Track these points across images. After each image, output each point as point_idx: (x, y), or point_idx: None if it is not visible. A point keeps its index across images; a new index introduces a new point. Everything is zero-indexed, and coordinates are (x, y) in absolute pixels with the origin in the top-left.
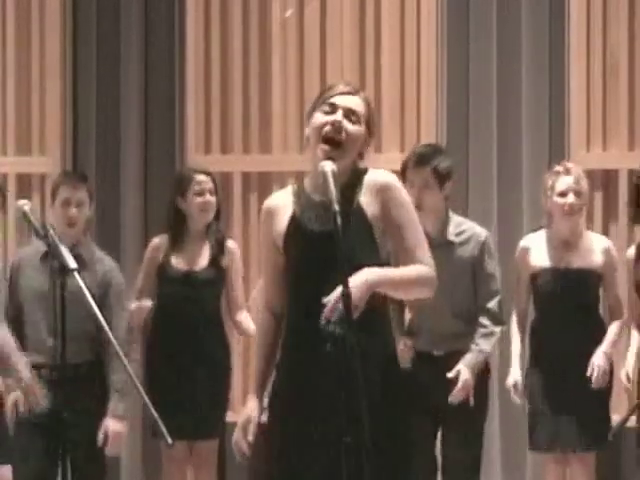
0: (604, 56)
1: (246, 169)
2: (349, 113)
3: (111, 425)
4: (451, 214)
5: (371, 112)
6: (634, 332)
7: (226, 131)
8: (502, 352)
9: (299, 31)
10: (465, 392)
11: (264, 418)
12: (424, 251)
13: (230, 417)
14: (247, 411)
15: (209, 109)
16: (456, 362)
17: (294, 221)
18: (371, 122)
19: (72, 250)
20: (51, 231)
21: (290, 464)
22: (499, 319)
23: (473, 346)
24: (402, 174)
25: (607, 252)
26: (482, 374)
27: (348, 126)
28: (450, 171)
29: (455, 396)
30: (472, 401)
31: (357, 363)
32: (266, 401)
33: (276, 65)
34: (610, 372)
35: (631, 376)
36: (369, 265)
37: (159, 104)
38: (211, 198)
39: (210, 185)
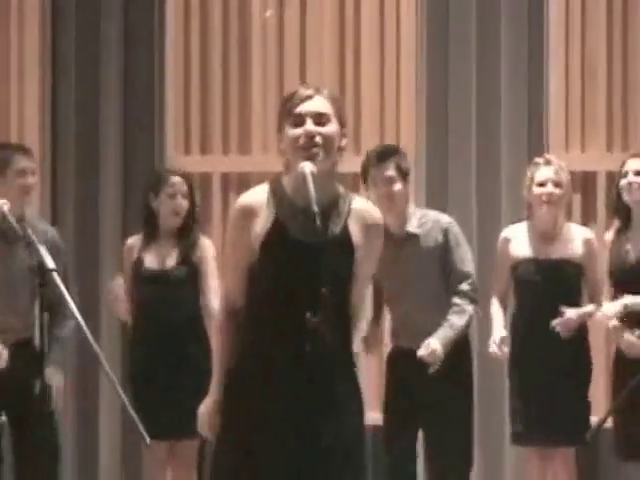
0: (582, 58)
1: (225, 170)
2: (317, 117)
3: (49, 373)
4: (414, 208)
5: (337, 105)
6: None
7: (205, 132)
8: (479, 348)
9: (279, 32)
10: (432, 360)
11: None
12: (363, 311)
13: None
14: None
15: (188, 110)
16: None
17: (278, 227)
18: (341, 114)
19: (23, 219)
20: (29, 231)
21: (264, 461)
22: (472, 297)
23: (444, 322)
24: (362, 175)
25: (588, 243)
26: (465, 374)
27: (320, 130)
28: (409, 167)
29: (426, 359)
30: (433, 369)
31: (334, 363)
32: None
33: (256, 66)
34: (589, 369)
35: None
36: (341, 280)
37: (139, 104)
38: (183, 201)
39: (184, 188)
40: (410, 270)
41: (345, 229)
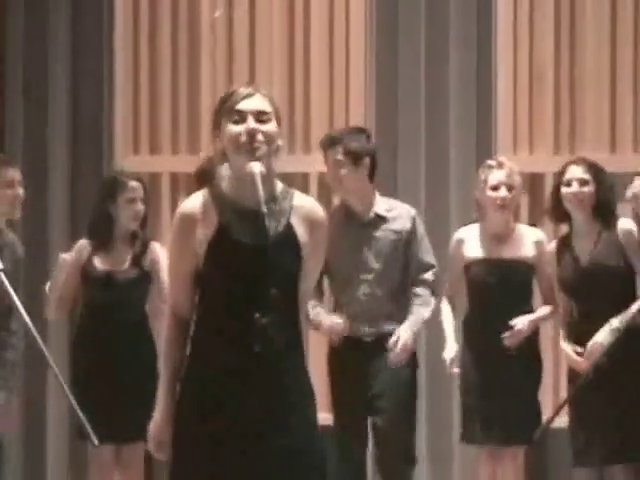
0: (530, 60)
1: (175, 170)
2: (258, 115)
3: None
4: (380, 196)
5: (275, 105)
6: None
7: (155, 132)
8: (429, 346)
9: (228, 31)
10: (405, 353)
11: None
12: (308, 299)
13: None
14: (161, 422)
15: (137, 109)
16: (385, 349)
17: (222, 231)
18: (277, 115)
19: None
20: None
21: (214, 464)
22: (434, 289)
23: (409, 315)
24: (324, 158)
25: (539, 244)
26: (411, 366)
27: (262, 128)
28: (363, 150)
29: (395, 356)
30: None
31: (281, 362)
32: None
33: (205, 66)
34: (539, 369)
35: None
36: (289, 278)
37: (87, 104)
38: (142, 207)
39: (141, 193)
40: (373, 252)
41: (289, 227)
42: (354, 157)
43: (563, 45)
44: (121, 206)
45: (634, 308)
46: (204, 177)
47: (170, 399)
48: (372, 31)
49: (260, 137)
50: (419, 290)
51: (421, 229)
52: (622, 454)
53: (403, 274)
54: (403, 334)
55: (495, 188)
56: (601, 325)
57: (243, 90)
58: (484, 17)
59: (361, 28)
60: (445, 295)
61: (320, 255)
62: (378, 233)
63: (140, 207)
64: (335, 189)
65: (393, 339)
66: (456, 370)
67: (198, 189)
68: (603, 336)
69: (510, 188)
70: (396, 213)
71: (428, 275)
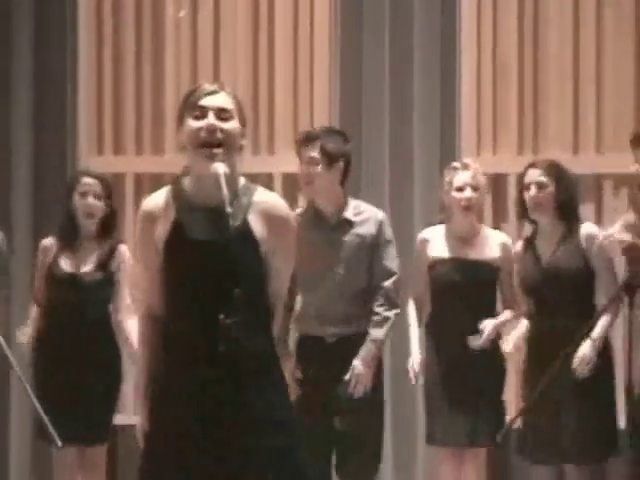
0: (494, 62)
1: (139, 170)
2: (220, 112)
3: None
4: (350, 199)
5: (239, 104)
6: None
7: (118, 132)
8: (393, 348)
9: (193, 31)
10: (361, 386)
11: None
12: (281, 302)
13: (121, 421)
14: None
15: (101, 110)
16: (348, 350)
17: (177, 228)
18: (241, 114)
19: None
20: None
21: (184, 463)
22: (393, 301)
23: (367, 338)
24: (297, 153)
25: (504, 247)
26: (375, 369)
27: (222, 125)
28: (339, 152)
29: (353, 390)
30: (362, 390)
31: (249, 363)
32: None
33: (169, 66)
34: (502, 370)
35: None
36: (252, 277)
37: (51, 104)
38: (94, 202)
39: (96, 189)
40: (338, 255)
41: (245, 223)
42: (329, 157)
43: (527, 45)
44: (75, 202)
45: (604, 322)
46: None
47: (146, 397)
48: (336, 32)
49: (219, 135)
50: (376, 306)
51: (387, 234)
52: (582, 450)
53: (367, 278)
54: (357, 367)
55: (460, 189)
56: (559, 326)
57: (208, 87)
58: (448, 17)
59: (325, 28)
60: (411, 297)
61: (288, 254)
62: (344, 237)
63: (91, 202)
64: (305, 188)
65: (348, 375)
66: (420, 381)
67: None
68: (589, 349)
69: (475, 189)
70: (364, 217)
71: (388, 283)
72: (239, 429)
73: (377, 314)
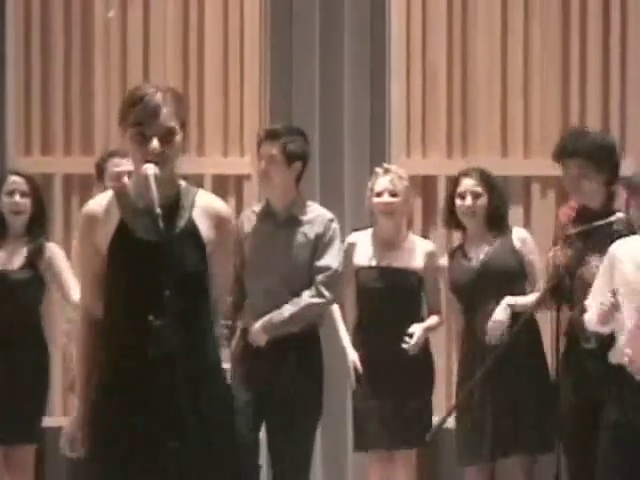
0: (423, 65)
1: (67, 171)
2: (164, 134)
3: None
4: (304, 199)
5: (180, 105)
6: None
7: (47, 132)
8: (326, 353)
9: (122, 31)
10: (255, 341)
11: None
12: (224, 300)
13: (48, 422)
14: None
15: (29, 110)
16: (283, 349)
17: (122, 229)
18: (183, 115)
19: None
20: None
21: (124, 465)
22: (322, 292)
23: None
24: (257, 148)
25: (429, 256)
26: (313, 376)
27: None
28: (299, 152)
29: (253, 335)
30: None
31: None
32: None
33: (99, 66)
34: (430, 372)
35: None
36: (196, 277)
37: None
38: (20, 200)
39: (23, 187)
40: (283, 252)
41: (191, 223)
42: (289, 157)
43: (455, 49)
44: (3, 200)
45: (529, 298)
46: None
47: (85, 400)
48: (267, 34)
49: (164, 151)
50: (305, 292)
51: (332, 234)
52: (512, 447)
53: (309, 276)
54: (257, 324)
55: (379, 194)
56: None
57: (150, 98)
58: (378, 20)
59: (256, 29)
60: (337, 302)
61: (228, 252)
62: (289, 234)
63: (18, 200)
64: (261, 184)
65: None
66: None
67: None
68: (500, 314)
69: (393, 194)
70: (312, 216)
71: (321, 277)
72: (175, 431)
73: (299, 297)
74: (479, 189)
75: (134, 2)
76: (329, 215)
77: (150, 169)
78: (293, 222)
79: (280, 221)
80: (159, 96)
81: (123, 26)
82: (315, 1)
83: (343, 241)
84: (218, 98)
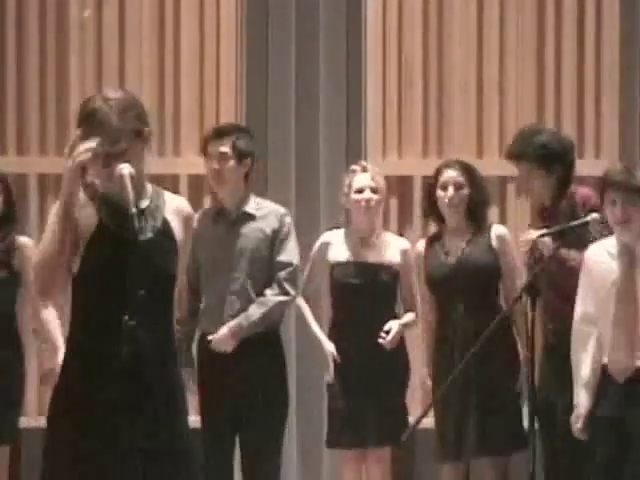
0: (399, 65)
1: (42, 171)
2: (122, 150)
3: None
4: (252, 195)
5: (136, 109)
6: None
7: (22, 132)
8: (298, 353)
9: (97, 31)
10: (221, 346)
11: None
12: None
13: (24, 423)
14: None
15: (4, 109)
16: (248, 351)
17: (99, 228)
18: (140, 120)
19: None
20: None
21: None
22: (285, 289)
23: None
24: (204, 149)
25: (404, 252)
26: (280, 378)
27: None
28: (249, 149)
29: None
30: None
31: (155, 367)
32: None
33: (74, 66)
34: (406, 370)
35: None
36: (171, 275)
37: None
38: None
39: None
40: (239, 250)
41: (165, 222)
42: (239, 154)
43: (431, 49)
44: None
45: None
46: None
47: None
48: (243, 34)
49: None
50: (267, 290)
51: (288, 228)
52: (488, 446)
53: (269, 273)
54: (222, 329)
55: (360, 191)
56: (464, 323)
57: (105, 108)
58: (354, 19)
59: (232, 29)
60: (302, 296)
61: (186, 254)
62: (245, 231)
63: None
64: (213, 182)
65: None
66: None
67: None
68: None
69: (374, 191)
70: (265, 212)
71: (282, 273)
72: (142, 429)
73: (264, 296)
74: (461, 180)
75: (109, 2)
76: (282, 210)
77: (125, 169)
78: (246, 218)
79: (232, 219)
80: (106, 109)
81: (98, 26)
82: (291, 1)
83: (309, 237)
84: (194, 98)
